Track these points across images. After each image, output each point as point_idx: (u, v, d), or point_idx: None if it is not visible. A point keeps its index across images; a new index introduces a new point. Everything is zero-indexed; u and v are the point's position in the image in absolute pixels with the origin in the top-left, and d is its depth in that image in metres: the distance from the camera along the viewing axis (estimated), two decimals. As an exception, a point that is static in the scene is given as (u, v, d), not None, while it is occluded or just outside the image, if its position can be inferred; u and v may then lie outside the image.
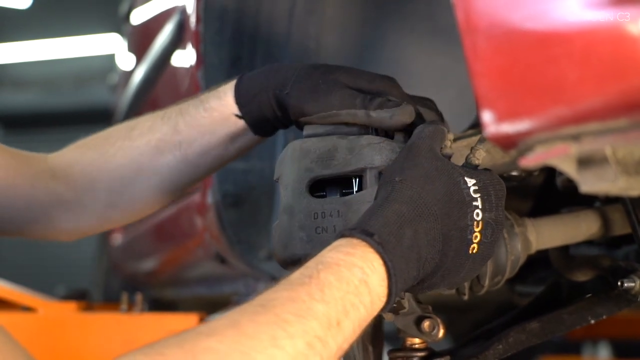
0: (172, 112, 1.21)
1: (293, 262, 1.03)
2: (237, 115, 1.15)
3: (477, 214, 0.93)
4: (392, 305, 0.88)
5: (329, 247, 0.88)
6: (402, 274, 0.87)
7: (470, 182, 0.94)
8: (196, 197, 1.82)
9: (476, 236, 0.93)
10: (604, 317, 1.20)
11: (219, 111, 1.16)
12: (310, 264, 0.85)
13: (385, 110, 1.04)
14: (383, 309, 0.87)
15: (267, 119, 1.14)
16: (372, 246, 0.86)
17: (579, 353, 3.97)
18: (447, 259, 0.92)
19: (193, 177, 1.23)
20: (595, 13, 0.60)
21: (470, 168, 0.96)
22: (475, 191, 0.93)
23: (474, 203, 0.93)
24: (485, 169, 0.97)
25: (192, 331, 0.76)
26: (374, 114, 1.04)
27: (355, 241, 0.87)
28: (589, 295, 1.25)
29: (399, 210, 0.89)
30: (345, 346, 0.83)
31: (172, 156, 1.19)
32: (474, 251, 0.93)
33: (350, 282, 0.83)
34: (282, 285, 0.83)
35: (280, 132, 1.82)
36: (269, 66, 1.16)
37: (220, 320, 0.78)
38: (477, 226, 0.93)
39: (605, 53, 0.59)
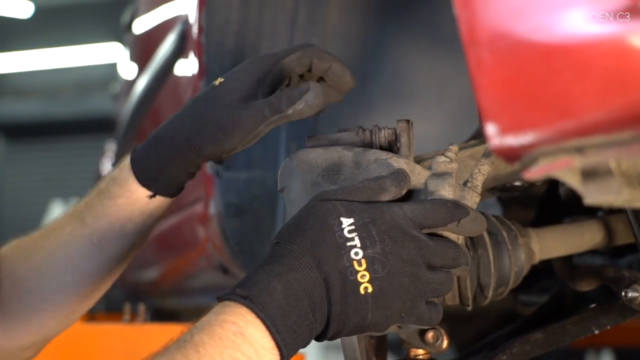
0: (80, 207, 1.18)
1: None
2: (150, 196, 1.13)
3: (356, 253, 0.90)
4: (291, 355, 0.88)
5: (203, 316, 0.89)
6: (285, 323, 0.87)
7: (347, 222, 0.92)
8: (198, 208, 1.82)
9: (363, 275, 0.90)
10: (608, 327, 1.20)
11: (124, 197, 1.14)
12: (187, 330, 0.87)
13: (297, 103, 1.05)
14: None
15: (182, 182, 1.14)
16: (239, 302, 0.87)
17: (582, 361, 3.97)
18: (336, 303, 0.90)
19: (113, 262, 1.19)
20: (600, 26, 0.60)
21: (353, 206, 0.94)
22: (350, 231, 0.91)
23: (349, 243, 0.90)
24: (375, 202, 0.95)
25: None
26: (290, 111, 1.05)
27: (226, 302, 0.89)
28: (593, 305, 1.25)
29: (268, 269, 0.90)
30: None
31: (86, 249, 1.16)
32: (369, 290, 0.90)
33: (225, 337, 0.85)
34: (161, 353, 0.85)
35: (282, 141, 1.83)
36: (152, 136, 1.14)
37: None
38: (360, 265, 0.90)
39: (609, 66, 0.59)
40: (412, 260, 0.92)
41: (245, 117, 1.07)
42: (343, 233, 0.91)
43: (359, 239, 0.91)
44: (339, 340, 1.13)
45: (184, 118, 1.12)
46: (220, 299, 0.90)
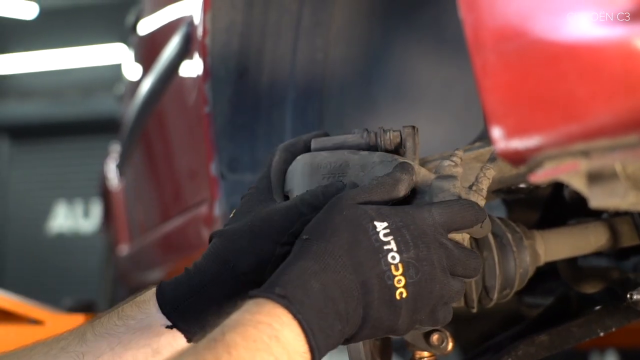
0: (88, 323, 1.07)
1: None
2: (166, 326, 1.02)
3: (393, 257, 0.89)
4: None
5: (235, 311, 0.85)
6: (320, 326, 0.84)
7: (381, 226, 0.91)
8: (203, 209, 1.82)
9: (399, 280, 0.89)
10: (613, 329, 1.20)
11: (137, 319, 1.03)
12: (217, 328, 0.83)
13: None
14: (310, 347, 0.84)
15: (207, 318, 1.01)
16: (277, 301, 0.84)
17: (586, 362, 3.96)
18: (373, 308, 0.89)
19: None
20: (606, 29, 0.60)
21: (383, 210, 0.93)
22: (386, 234, 0.90)
23: (386, 247, 0.90)
24: (405, 206, 0.95)
25: None
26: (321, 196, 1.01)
27: (261, 300, 0.85)
28: (598, 307, 1.25)
29: (303, 266, 0.87)
30: None
31: None
32: (404, 296, 0.89)
33: (259, 340, 0.81)
34: (188, 351, 0.81)
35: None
36: (187, 270, 1.05)
37: None
38: (397, 269, 0.89)
39: (615, 69, 0.59)
40: (442, 267, 0.92)
41: (276, 215, 1.01)
42: (379, 236, 0.90)
43: (395, 242, 0.90)
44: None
45: (215, 247, 1.04)
46: (255, 296, 0.86)
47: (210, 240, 1.06)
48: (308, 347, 0.84)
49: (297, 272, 0.87)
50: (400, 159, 1.02)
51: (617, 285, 1.25)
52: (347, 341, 0.92)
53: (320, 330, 0.84)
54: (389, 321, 0.90)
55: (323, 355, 0.86)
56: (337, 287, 0.87)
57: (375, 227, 0.91)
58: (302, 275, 0.86)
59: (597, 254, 1.36)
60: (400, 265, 0.89)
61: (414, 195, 1.01)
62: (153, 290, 1.05)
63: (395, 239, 0.90)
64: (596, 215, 1.32)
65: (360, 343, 1.10)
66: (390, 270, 0.89)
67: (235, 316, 0.84)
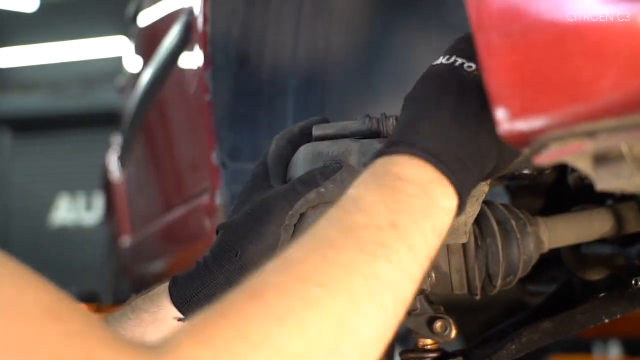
0: (103, 317, 1.08)
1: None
2: (178, 319, 1.03)
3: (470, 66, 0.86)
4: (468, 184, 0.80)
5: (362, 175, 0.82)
6: (440, 148, 0.78)
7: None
8: (205, 199, 1.81)
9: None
10: (618, 316, 1.19)
11: (150, 312, 1.04)
12: (352, 190, 0.80)
13: (330, 181, 0.99)
14: (459, 192, 0.78)
15: None
16: (384, 153, 0.80)
17: (589, 351, 3.96)
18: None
19: None
20: (611, 7, 0.59)
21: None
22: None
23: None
24: None
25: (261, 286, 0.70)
26: (323, 189, 0.99)
27: (370, 165, 0.81)
28: (602, 294, 1.24)
29: (401, 123, 0.84)
30: (416, 250, 0.74)
31: None
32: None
33: (383, 185, 0.77)
34: (320, 220, 0.77)
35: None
36: (197, 263, 1.05)
37: (265, 267, 0.73)
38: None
39: (621, 48, 0.58)
40: None
41: (275, 198, 1.01)
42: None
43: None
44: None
45: (221, 239, 1.04)
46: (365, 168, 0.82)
47: (216, 234, 1.06)
48: (441, 173, 0.78)
49: (397, 129, 0.83)
50: None
51: (621, 271, 1.24)
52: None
53: (444, 153, 0.79)
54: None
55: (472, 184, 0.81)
56: (444, 117, 0.81)
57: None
58: (403, 124, 0.82)
59: (602, 240, 1.35)
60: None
61: None
62: (166, 283, 1.05)
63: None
64: (600, 201, 1.31)
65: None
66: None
67: (355, 182, 0.80)
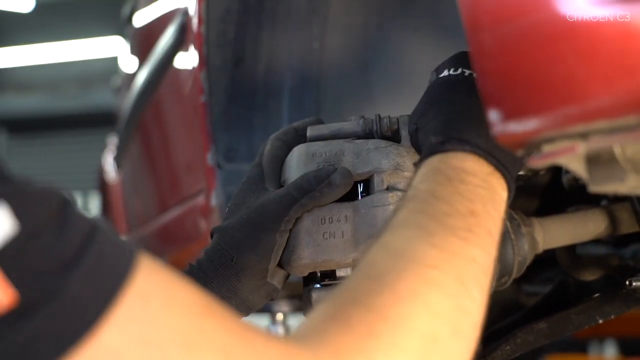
0: None
1: (299, 267, 1.02)
2: None
3: None
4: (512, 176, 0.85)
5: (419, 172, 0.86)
6: (487, 142, 0.83)
7: None
8: (200, 200, 1.81)
9: None
10: (612, 316, 1.19)
11: None
12: (405, 193, 0.84)
13: (325, 184, 1.00)
14: (508, 184, 0.84)
15: None
16: (438, 150, 0.84)
17: (585, 351, 3.96)
18: None
19: None
20: (603, 9, 0.59)
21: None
22: None
23: None
24: None
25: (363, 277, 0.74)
26: (318, 194, 1.01)
27: (425, 162, 0.85)
28: (597, 294, 1.24)
29: (438, 122, 0.89)
30: (493, 234, 0.80)
31: None
32: None
33: (450, 177, 0.81)
34: (393, 213, 0.82)
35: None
36: (191, 266, 1.05)
37: (367, 259, 0.77)
38: None
39: (614, 49, 0.59)
40: None
41: (270, 204, 1.02)
42: None
43: None
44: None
45: (216, 243, 1.05)
46: (417, 165, 0.87)
47: (211, 237, 1.06)
48: (493, 167, 0.83)
49: (439, 126, 0.87)
50: (395, 146, 1.02)
51: (616, 272, 1.25)
52: None
53: (491, 147, 0.83)
54: None
55: (515, 171, 0.86)
56: (478, 112, 0.85)
57: None
58: (445, 122, 0.87)
59: (596, 241, 1.36)
60: None
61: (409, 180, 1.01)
62: None
63: None
64: (595, 202, 1.31)
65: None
66: None
67: (415, 178, 0.85)
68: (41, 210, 0.61)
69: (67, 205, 0.63)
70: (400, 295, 0.72)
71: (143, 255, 0.65)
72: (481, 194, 0.81)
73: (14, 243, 0.58)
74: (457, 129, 0.85)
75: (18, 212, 0.59)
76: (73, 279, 0.60)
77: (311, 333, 0.69)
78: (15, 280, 0.58)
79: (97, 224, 0.64)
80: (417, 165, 0.87)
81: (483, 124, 0.83)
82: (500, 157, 0.84)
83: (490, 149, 0.83)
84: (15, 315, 0.58)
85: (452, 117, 0.87)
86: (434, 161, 0.85)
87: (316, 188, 1.00)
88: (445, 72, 0.95)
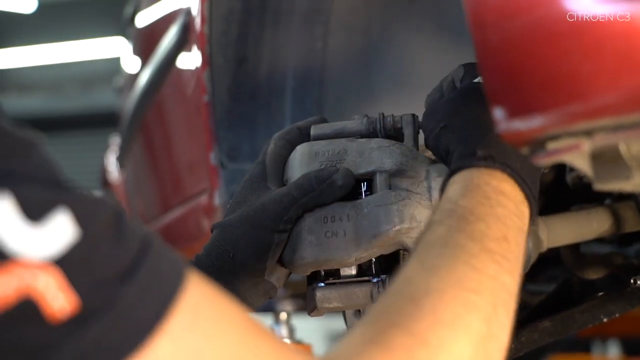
0: None
1: (301, 266, 1.02)
2: None
3: None
4: (537, 208, 0.87)
5: (448, 186, 0.87)
6: (524, 169, 0.86)
7: None
8: (203, 199, 1.81)
9: None
10: (617, 315, 1.19)
11: None
12: (439, 206, 0.85)
13: (326, 184, 1.00)
14: (532, 213, 0.86)
15: None
16: (483, 164, 0.85)
17: (588, 351, 3.96)
18: None
19: None
20: (609, 6, 0.59)
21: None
22: None
23: None
24: None
25: (403, 300, 0.74)
26: (319, 194, 1.00)
27: (463, 172, 0.86)
28: (601, 293, 1.24)
29: (477, 131, 0.89)
30: (519, 264, 0.81)
31: None
32: None
33: (489, 197, 0.83)
34: (432, 225, 0.82)
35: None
36: (189, 262, 1.05)
37: (405, 276, 0.77)
38: None
39: (619, 46, 0.58)
40: None
41: (270, 203, 1.02)
42: None
43: None
44: (344, 329, 1.12)
45: (214, 239, 1.05)
46: (451, 174, 0.88)
47: (212, 232, 1.06)
48: (523, 194, 0.85)
49: (478, 137, 0.88)
50: (398, 145, 1.02)
51: (620, 271, 1.24)
52: None
53: (527, 175, 0.86)
54: None
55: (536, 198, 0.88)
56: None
57: None
58: (485, 136, 0.87)
59: (600, 240, 1.35)
60: None
61: (412, 179, 1.01)
62: None
63: None
64: (599, 201, 1.31)
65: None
66: None
67: (452, 190, 0.85)
68: (100, 219, 0.62)
69: (121, 215, 0.63)
70: (441, 319, 0.72)
71: (191, 269, 0.65)
72: (514, 221, 0.82)
73: (77, 250, 0.59)
74: (497, 146, 0.86)
75: (80, 219, 0.60)
76: (130, 288, 0.60)
77: (351, 355, 0.69)
78: (78, 287, 0.58)
79: (150, 236, 0.64)
80: (451, 173, 0.87)
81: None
82: (532, 186, 0.86)
83: (525, 176, 0.85)
84: (76, 322, 0.58)
85: (488, 132, 0.87)
86: (473, 176, 0.85)
87: (317, 188, 1.00)
88: (467, 80, 0.96)
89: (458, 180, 0.86)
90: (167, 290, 0.62)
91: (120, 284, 0.60)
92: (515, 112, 0.67)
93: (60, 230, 0.58)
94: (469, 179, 0.85)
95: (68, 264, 0.58)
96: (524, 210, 0.85)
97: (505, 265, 0.78)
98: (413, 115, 1.07)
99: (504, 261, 0.78)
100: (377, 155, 1.02)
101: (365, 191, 1.03)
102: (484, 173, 0.85)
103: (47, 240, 0.58)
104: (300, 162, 1.06)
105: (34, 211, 0.58)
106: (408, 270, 0.78)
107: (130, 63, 3.29)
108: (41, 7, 9.91)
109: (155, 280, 0.62)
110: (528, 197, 0.85)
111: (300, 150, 1.07)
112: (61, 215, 0.59)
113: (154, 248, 0.64)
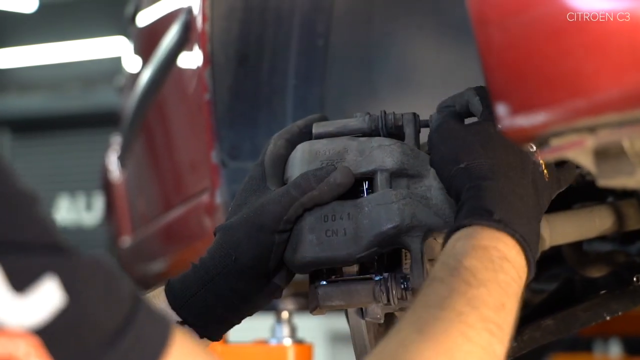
0: None
1: (302, 265, 1.02)
2: (177, 322, 1.02)
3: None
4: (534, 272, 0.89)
5: (448, 244, 0.88)
6: (531, 238, 0.88)
7: None
8: (205, 198, 1.81)
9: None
10: (620, 313, 1.19)
11: None
12: (443, 259, 0.86)
13: (324, 183, 1.00)
14: (528, 279, 0.88)
15: (217, 315, 1.03)
16: (494, 226, 0.86)
17: (590, 350, 3.96)
18: (544, 197, 0.97)
19: None
20: (612, 2, 0.58)
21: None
22: None
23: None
24: None
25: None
26: (317, 193, 1.00)
27: (476, 228, 0.87)
28: (604, 291, 1.24)
29: (494, 187, 0.90)
30: (511, 330, 0.83)
31: None
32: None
33: (494, 261, 0.84)
34: (433, 283, 0.83)
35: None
36: (194, 265, 1.05)
37: (400, 338, 0.79)
38: None
39: (622, 42, 0.58)
40: None
41: (269, 204, 1.01)
42: None
43: None
44: (346, 329, 1.12)
45: (218, 242, 1.05)
46: (462, 225, 0.88)
47: (215, 235, 1.06)
48: (526, 261, 0.87)
49: (496, 194, 0.89)
50: (399, 144, 1.02)
51: (622, 269, 1.24)
52: None
53: (532, 242, 0.88)
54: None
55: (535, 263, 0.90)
56: (527, 196, 0.91)
57: None
58: (502, 195, 0.89)
59: (602, 238, 1.35)
60: None
61: (413, 178, 1.01)
62: (162, 287, 1.06)
63: None
64: (601, 198, 1.31)
65: (364, 329, 1.10)
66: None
67: (457, 244, 0.86)
68: (90, 283, 0.62)
69: (112, 276, 0.65)
70: None
71: (176, 328, 0.66)
72: (514, 288, 0.84)
73: (62, 317, 0.60)
74: (511, 208, 0.88)
75: (68, 285, 0.61)
76: (115, 355, 0.61)
77: None
78: (57, 355, 0.59)
79: (139, 296, 0.66)
80: (460, 226, 0.88)
81: (529, 211, 0.88)
82: (534, 251, 0.88)
83: (530, 241, 0.87)
84: None
85: (507, 192, 0.89)
86: (482, 236, 0.86)
87: (315, 187, 1.00)
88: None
89: (465, 236, 0.87)
90: (152, 354, 0.63)
91: (106, 348, 0.61)
92: (518, 108, 0.67)
93: (46, 298, 0.59)
94: (478, 238, 0.86)
95: (50, 332, 0.59)
96: (523, 276, 0.87)
97: (498, 335, 0.80)
98: (414, 114, 1.07)
99: (498, 331, 0.80)
100: (378, 154, 1.02)
101: (367, 190, 1.03)
102: (493, 236, 0.86)
103: (32, 309, 0.59)
104: (301, 161, 1.06)
105: (21, 281, 0.59)
106: (403, 332, 0.79)
107: (132, 62, 3.29)
108: (42, 6, 9.91)
109: (141, 345, 0.63)
110: (530, 264, 0.87)
111: (301, 149, 1.07)
112: (49, 283, 0.60)
113: (142, 311, 0.65)
